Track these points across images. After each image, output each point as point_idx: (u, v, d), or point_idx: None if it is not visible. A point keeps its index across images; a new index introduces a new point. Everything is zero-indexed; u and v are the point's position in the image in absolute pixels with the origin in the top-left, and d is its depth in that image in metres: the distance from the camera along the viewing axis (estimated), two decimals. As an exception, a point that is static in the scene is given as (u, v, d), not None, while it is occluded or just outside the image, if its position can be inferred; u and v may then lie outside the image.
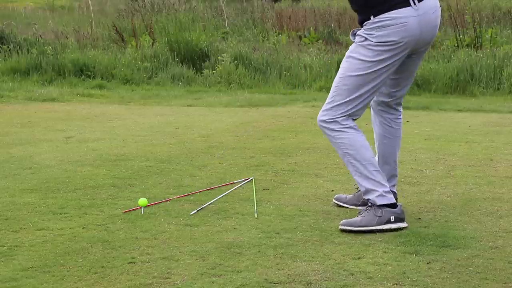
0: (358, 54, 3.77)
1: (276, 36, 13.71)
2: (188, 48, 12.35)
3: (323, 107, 3.90)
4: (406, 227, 3.77)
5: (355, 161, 3.86)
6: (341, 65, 3.89)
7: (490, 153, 5.98)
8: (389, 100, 4.08)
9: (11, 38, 13.10)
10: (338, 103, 3.83)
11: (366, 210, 3.81)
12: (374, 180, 3.83)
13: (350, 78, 3.79)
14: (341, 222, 3.76)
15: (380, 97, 4.08)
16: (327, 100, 3.90)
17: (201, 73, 11.88)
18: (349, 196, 4.27)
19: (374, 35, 3.73)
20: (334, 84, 3.87)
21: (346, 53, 3.87)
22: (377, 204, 3.78)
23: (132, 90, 11.04)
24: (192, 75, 11.86)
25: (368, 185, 3.84)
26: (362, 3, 3.77)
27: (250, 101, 9.80)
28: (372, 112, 4.20)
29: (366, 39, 3.75)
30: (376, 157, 4.09)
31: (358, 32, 3.81)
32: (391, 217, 3.75)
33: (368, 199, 3.83)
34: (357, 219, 3.77)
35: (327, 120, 3.86)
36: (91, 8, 17.16)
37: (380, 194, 3.81)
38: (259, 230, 3.73)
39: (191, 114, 8.64)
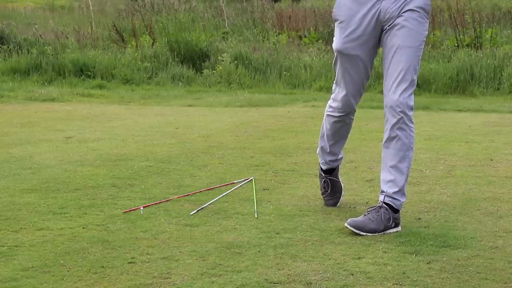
0: (418, 25, 3.70)
1: (276, 36, 13.71)
2: (188, 48, 12.34)
3: (404, 89, 3.68)
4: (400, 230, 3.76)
5: (410, 159, 3.76)
6: (404, 35, 3.70)
7: (490, 153, 5.98)
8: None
9: (11, 38, 13.09)
10: (415, 86, 3.69)
11: (376, 212, 3.71)
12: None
13: (420, 51, 3.70)
14: (348, 221, 3.68)
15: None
16: (406, 81, 3.69)
17: (201, 73, 11.88)
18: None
19: (428, 3, 3.74)
20: (408, 61, 3.69)
21: (401, 23, 3.71)
22: (397, 210, 3.73)
23: (132, 90, 11.04)
24: (192, 75, 11.87)
25: (405, 188, 3.77)
26: None
27: (250, 101, 9.80)
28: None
29: (423, 9, 3.73)
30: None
31: (415, 6, 3.71)
32: (393, 223, 3.74)
33: (397, 200, 3.73)
34: (365, 221, 3.67)
35: (413, 107, 3.70)
36: (91, 8, 17.16)
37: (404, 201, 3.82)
38: (259, 230, 3.73)
39: (191, 114, 8.65)
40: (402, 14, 3.71)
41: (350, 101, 3.97)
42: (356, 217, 3.77)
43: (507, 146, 6.33)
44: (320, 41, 13.57)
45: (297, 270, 3.12)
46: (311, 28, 14.66)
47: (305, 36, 14.31)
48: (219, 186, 4.70)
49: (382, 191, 3.77)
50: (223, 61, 11.62)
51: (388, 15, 3.74)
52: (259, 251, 3.37)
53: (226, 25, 15.36)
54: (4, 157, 5.68)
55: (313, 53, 12.40)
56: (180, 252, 3.36)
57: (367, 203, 4.29)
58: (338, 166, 4.30)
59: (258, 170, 5.27)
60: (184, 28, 13.21)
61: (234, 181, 4.82)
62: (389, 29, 3.74)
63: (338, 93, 4.00)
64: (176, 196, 4.43)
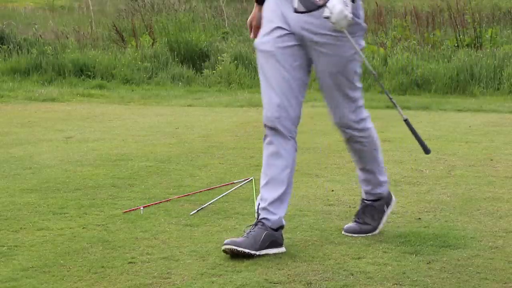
0: (337, 48, 3.40)
1: (276, 36, 13.68)
2: (188, 48, 12.34)
3: (344, 107, 3.48)
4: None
5: (379, 155, 3.66)
6: (326, 60, 3.39)
7: (490, 153, 5.98)
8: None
9: (11, 38, 13.09)
10: (357, 100, 3.52)
11: (364, 213, 3.69)
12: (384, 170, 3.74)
13: (352, 65, 3.44)
14: (345, 228, 3.70)
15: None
16: (343, 100, 3.48)
17: (201, 73, 11.88)
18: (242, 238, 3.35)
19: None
20: (338, 82, 3.42)
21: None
22: (387, 193, 3.72)
23: (132, 90, 11.04)
24: (192, 75, 11.87)
25: (382, 178, 3.69)
26: None
27: (250, 101, 9.80)
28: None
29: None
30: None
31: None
32: (386, 206, 3.77)
33: (380, 193, 3.69)
34: (355, 226, 3.71)
35: (362, 118, 3.57)
36: (91, 8, 17.15)
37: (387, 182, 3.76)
38: (259, 230, 3.72)
39: (191, 114, 8.64)
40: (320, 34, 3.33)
41: (266, 113, 3.41)
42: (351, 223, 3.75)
43: (507, 146, 6.33)
44: (320, 41, 13.55)
45: (297, 270, 3.12)
46: (311, 28, 14.63)
47: (305, 36, 14.29)
48: (219, 186, 4.70)
49: (363, 190, 3.73)
50: (223, 61, 11.61)
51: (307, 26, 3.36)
52: (259, 251, 3.37)
53: (226, 25, 15.35)
54: (4, 157, 5.68)
55: (313, 53, 12.38)
56: (180, 252, 3.36)
57: (367, 203, 4.29)
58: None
59: (258, 170, 5.23)
60: (184, 28, 13.20)
61: (234, 181, 4.82)
62: (311, 44, 3.37)
63: None
64: (176, 196, 4.43)
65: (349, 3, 3.22)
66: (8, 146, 6.24)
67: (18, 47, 12.70)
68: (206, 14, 15.86)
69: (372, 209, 3.69)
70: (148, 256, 3.31)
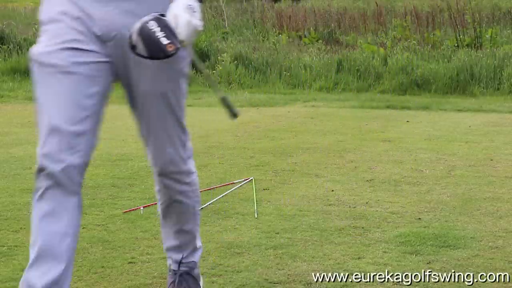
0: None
1: (276, 36, 13.71)
2: (188, 48, 12.35)
3: (184, 155, 3.01)
4: None
5: (199, 210, 2.88)
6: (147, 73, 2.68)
7: (490, 153, 5.98)
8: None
9: (11, 38, 13.09)
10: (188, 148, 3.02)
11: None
12: None
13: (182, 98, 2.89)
14: None
15: None
16: (184, 144, 2.97)
17: (201, 73, 11.88)
18: None
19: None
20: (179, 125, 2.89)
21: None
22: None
23: (132, 90, 11.04)
24: (191, 75, 11.87)
25: (200, 240, 2.89)
26: None
27: (250, 101, 9.80)
28: None
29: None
30: None
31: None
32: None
33: (194, 261, 2.84)
34: None
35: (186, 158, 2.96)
36: (91, 8, 17.14)
37: None
38: (259, 230, 3.73)
39: (191, 114, 8.61)
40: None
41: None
42: None
43: (507, 146, 6.33)
44: (320, 41, 13.57)
45: (297, 270, 3.12)
46: (311, 28, 14.66)
47: (305, 36, 14.31)
48: (219, 186, 4.70)
49: (171, 258, 2.84)
50: (223, 61, 11.62)
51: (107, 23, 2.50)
52: (259, 251, 3.37)
53: (226, 25, 15.36)
54: (4, 157, 5.68)
55: (313, 53, 12.39)
56: (180, 252, 3.36)
57: (367, 203, 4.29)
58: None
59: (258, 170, 5.27)
60: (184, 28, 13.19)
61: (234, 181, 4.82)
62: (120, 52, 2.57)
63: None
64: (176, 196, 4.42)
65: (197, 8, 2.45)
66: (8, 146, 6.23)
67: (18, 47, 12.69)
68: (206, 14, 15.86)
69: (189, 278, 2.82)
70: (148, 256, 3.31)
